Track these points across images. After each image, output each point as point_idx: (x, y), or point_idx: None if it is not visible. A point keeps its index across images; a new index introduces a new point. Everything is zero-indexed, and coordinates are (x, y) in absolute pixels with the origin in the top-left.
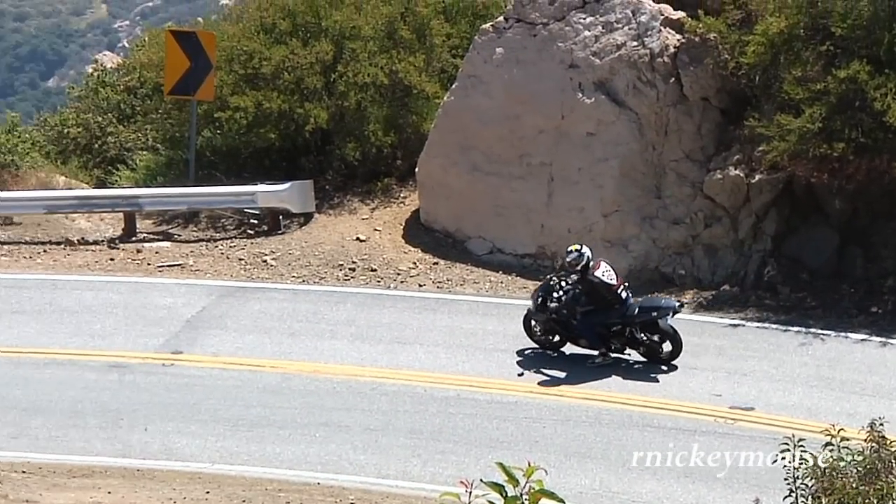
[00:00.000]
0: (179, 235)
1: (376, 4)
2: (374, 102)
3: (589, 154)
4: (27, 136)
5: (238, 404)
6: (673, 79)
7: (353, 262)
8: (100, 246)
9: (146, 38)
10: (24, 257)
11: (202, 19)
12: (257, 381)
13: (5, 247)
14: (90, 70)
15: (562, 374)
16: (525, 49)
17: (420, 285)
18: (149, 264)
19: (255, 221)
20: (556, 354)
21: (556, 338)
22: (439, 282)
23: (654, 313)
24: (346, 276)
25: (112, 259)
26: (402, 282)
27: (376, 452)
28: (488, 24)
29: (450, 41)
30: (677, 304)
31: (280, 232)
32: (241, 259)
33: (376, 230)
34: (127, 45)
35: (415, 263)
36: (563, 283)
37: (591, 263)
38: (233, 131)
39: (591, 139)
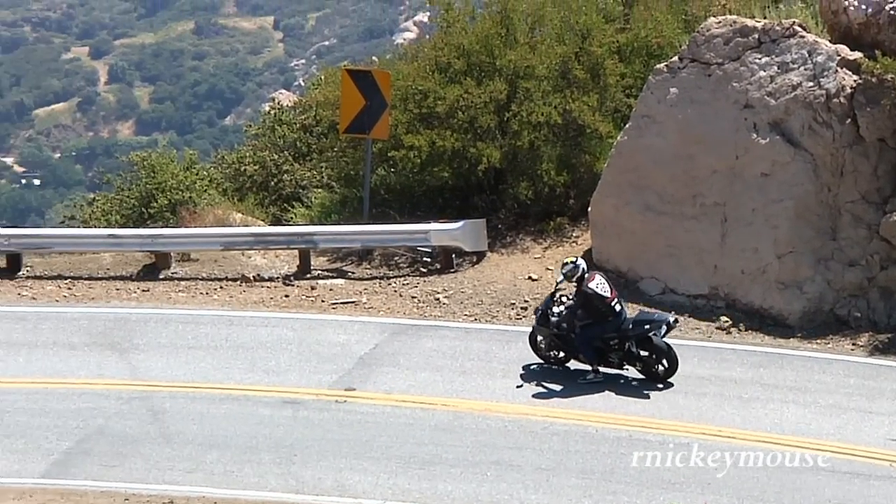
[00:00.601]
0: (353, 273)
1: (550, 44)
2: (547, 142)
3: (763, 195)
4: (205, 173)
5: (410, 442)
6: (849, 120)
7: (525, 302)
8: (275, 283)
9: (322, 77)
10: (201, 293)
11: (377, 58)
12: (429, 418)
13: (183, 283)
14: (267, 108)
15: (738, 418)
16: (699, 89)
17: None
18: (323, 301)
19: (428, 260)
20: (560, 369)
21: (561, 354)
22: None
23: (647, 326)
24: (518, 315)
25: (287, 296)
26: None
27: (547, 492)
28: (663, 64)
29: (623, 81)
30: (672, 318)
31: (453, 270)
32: (413, 297)
33: (548, 269)
34: (303, 83)
35: None
36: (563, 299)
37: (586, 276)
38: (407, 170)
39: (765, 180)
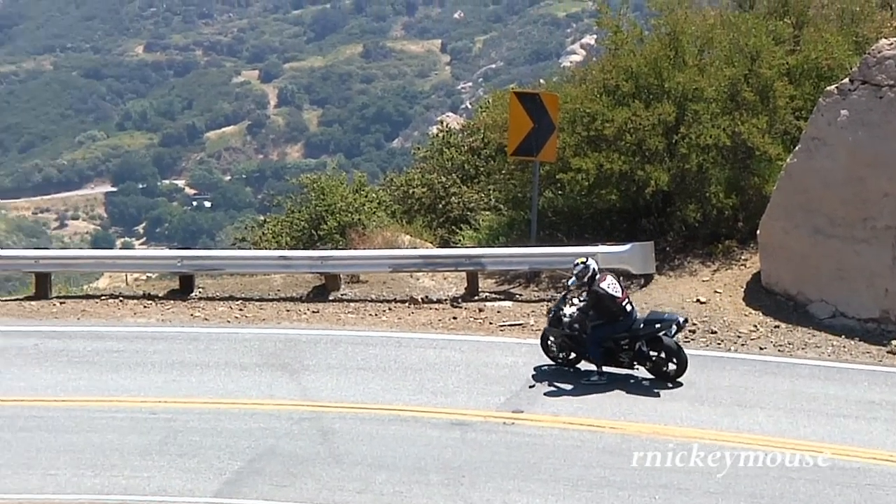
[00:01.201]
0: (521, 295)
1: (719, 66)
2: (715, 164)
3: None
4: (374, 195)
5: (578, 465)
6: None
7: (694, 324)
8: (443, 304)
9: (490, 100)
10: (370, 315)
11: (544, 81)
12: (597, 441)
13: (352, 304)
14: (435, 131)
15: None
16: (871, 111)
17: (761, 348)
18: (490, 323)
19: None
20: (572, 370)
21: (572, 355)
22: (780, 345)
23: (658, 325)
24: (686, 337)
25: (455, 318)
26: (742, 344)
27: None
28: (833, 87)
29: (793, 103)
30: (681, 318)
31: None
32: None
33: (717, 292)
34: (469, 106)
35: (755, 326)
36: (575, 301)
37: (598, 276)
38: (574, 192)
39: None
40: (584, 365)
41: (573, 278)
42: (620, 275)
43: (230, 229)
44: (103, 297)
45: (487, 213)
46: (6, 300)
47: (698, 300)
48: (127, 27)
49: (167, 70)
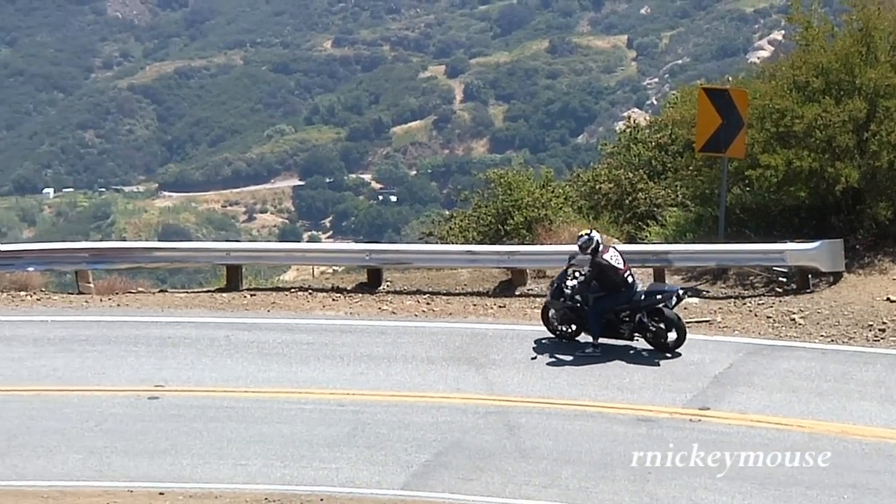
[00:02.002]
0: (708, 292)
1: None
2: None
3: None
4: (560, 190)
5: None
6: None
7: (884, 323)
8: None
9: (678, 96)
10: None
11: (731, 77)
12: (784, 439)
13: (538, 300)
14: (622, 126)
15: None
16: None
17: None
18: None
19: (784, 279)
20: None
21: (573, 327)
22: None
23: (659, 296)
24: (876, 336)
25: None
26: None
27: None
28: None
29: None
30: (680, 290)
31: (808, 291)
32: (768, 317)
33: None
34: (655, 102)
35: None
36: (577, 274)
37: (601, 248)
38: (762, 189)
39: None
40: (582, 337)
41: (576, 250)
42: (809, 272)
43: (415, 224)
44: (292, 290)
45: (674, 209)
46: (198, 292)
47: (888, 299)
48: (315, 22)
49: (355, 65)
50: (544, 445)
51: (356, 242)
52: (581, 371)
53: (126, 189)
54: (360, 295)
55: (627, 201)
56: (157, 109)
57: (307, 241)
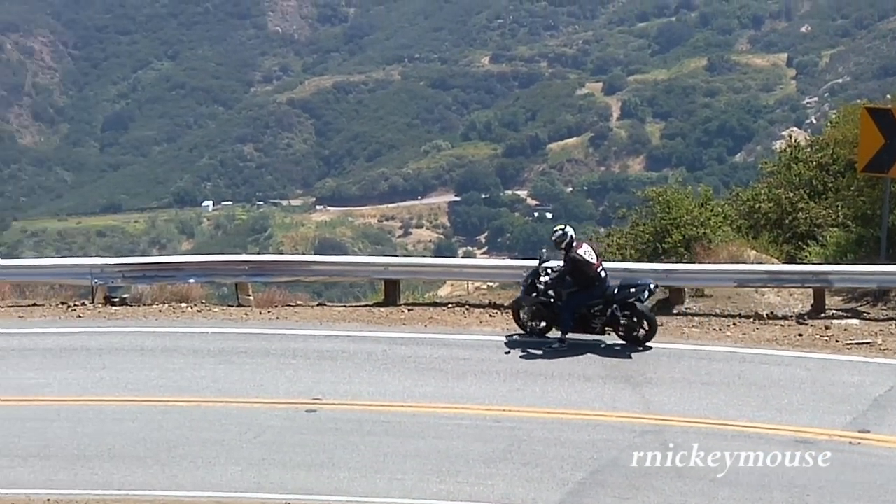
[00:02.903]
0: (868, 313)
1: None
2: None
3: None
4: (719, 209)
5: None
6: None
7: None
8: (788, 321)
9: (840, 115)
10: (714, 329)
11: (892, 96)
12: None
13: (696, 318)
14: (782, 145)
15: None
16: None
17: None
18: (837, 341)
19: None
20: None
21: (543, 324)
22: None
23: (632, 290)
24: None
25: (800, 335)
26: None
27: None
28: None
29: None
30: (652, 284)
31: None
32: None
33: None
34: (814, 121)
35: None
36: (549, 270)
37: (574, 243)
38: None
39: None
40: (552, 333)
41: (545, 250)
42: None
43: None
44: (449, 305)
45: (835, 229)
46: (356, 306)
47: None
48: (474, 38)
49: (512, 81)
50: (701, 465)
51: (511, 259)
52: (740, 391)
53: (284, 203)
54: None
55: (787, 221)
56: (315, 124)
57: (462, 257)
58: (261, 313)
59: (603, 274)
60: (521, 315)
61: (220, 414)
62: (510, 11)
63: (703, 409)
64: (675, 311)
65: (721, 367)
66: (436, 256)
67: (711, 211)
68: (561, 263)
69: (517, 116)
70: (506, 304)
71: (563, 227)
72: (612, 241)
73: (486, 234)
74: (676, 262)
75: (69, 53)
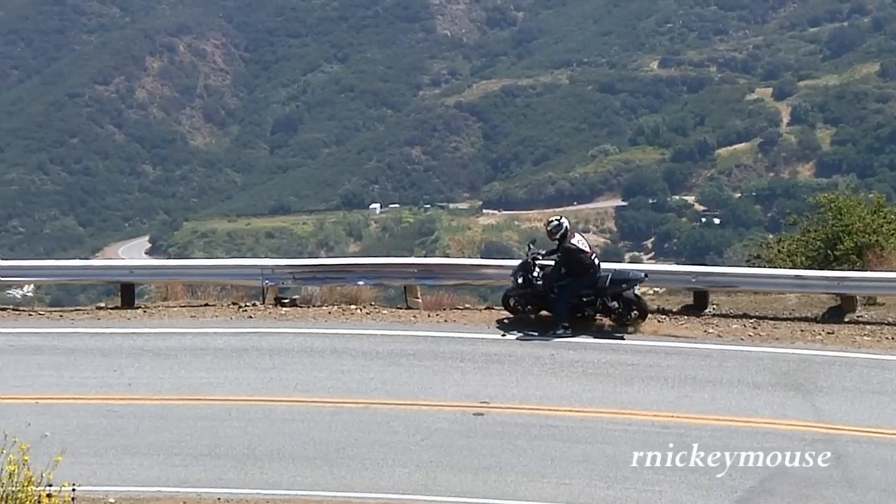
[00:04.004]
0: None
1: None
2: None
3: None
4: (892, 216)
5: None
6: None
7: None
8: None
9: None
10: (887, 338)
11: None
12: None
13: (868, 327)
14: None
15: None
16: None
17: None
18: None
19: None
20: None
21: (529, 307)
22: None
23: (625, 284)
24: None
25: None
26: None
27: None
28: None
29: None
30: (643, 275)
31: None
32: None
33: None
34: None
35: None
36: (537, 264)
37: (568, 234)
38: None
39: None
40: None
41: (529, 248)
42: None
43: (738, 247)
44: None
45: None
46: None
47: None
48: (643, 42)
49: (680, 85)
50: (872, 476)
51: (678, 264)
52: None
53: (450, 206)
54: (685, 317)
55: None
56: (482, 127)
57: (629, 262)
58: (429, 316)
59: (596, 261)
60: (512, 302)
61: (388, 416)
62: (680, 16)
63: (875, 418)
64: (846, 320)
65: (893, 377)
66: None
67: (884, 218)
68: (551, 263)
69: (685, 121)
70: (675, 310)
71: (558, 218)
72: (783, 248)
73: (652, 239)
74: (848, 270)
75: (240, 56)
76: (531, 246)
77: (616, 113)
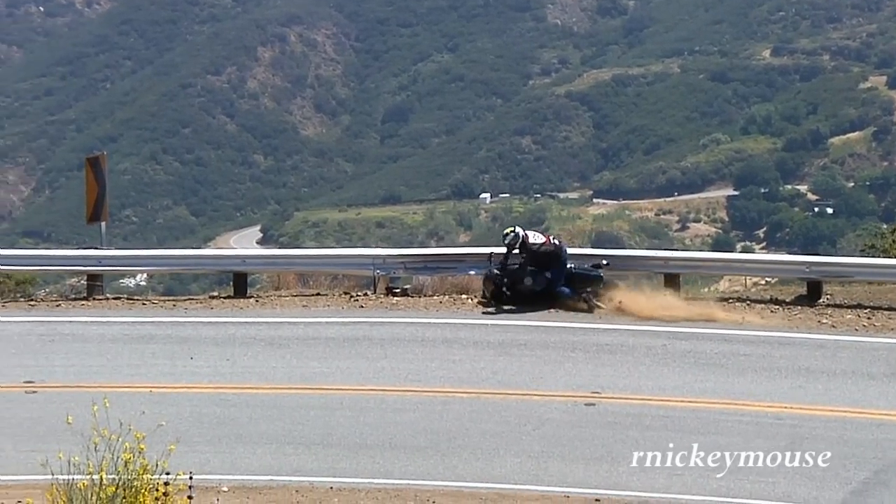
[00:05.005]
0: None
1: None
2: None
3: None
4: None
5: None
6: None
7: None
8: None
9: None
10: None
11: None
12: None
13: None
14: None
15: None
16: None
17: None
18: None
19: None
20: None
21: (504, 290)
22: None
23: (589, 289)
24: None
25: None
26: None
27: None
28: None
29: None
30: (601, 273)
31: None
32: None
33: None
34: None
35: None
36: (505, 268)
37: (523, 236)
38: None
39: None
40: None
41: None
42: None
43: (852, 237)
44: (730, 301)
45: None
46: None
47: None
48: (755, 31)
49: (793, 74)
50: None
51: (790, 254)
52: None
53: (561, 195)
54: (799, 307)
55: None
56: (593, 117)
57: (740, 252)
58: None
59: (558, 242)
60: (486, 293)
61: (499, 406)
62: (792, 4)
63: None
64: None
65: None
66: (713, 251)
67: None
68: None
69: (798, 110)
70: (788, 301)
71: (512, 228)
72: None
73: (764, 228)
74: None
75: (351, 46)
76: (513, 234)
77: (728, 102)
